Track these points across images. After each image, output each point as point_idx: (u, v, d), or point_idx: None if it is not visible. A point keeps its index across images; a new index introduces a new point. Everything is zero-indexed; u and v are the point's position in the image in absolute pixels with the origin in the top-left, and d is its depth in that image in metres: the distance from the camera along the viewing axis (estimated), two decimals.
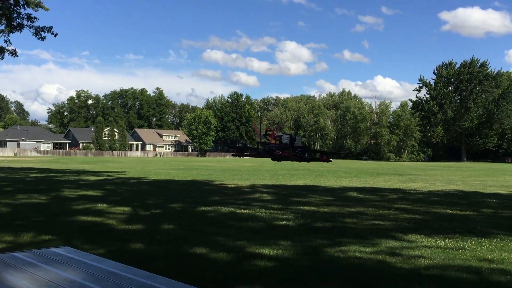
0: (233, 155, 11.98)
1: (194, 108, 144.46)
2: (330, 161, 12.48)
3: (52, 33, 25.96)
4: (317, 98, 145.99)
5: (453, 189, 18.98)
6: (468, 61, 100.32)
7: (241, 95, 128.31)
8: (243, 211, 11.01)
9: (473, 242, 7.47)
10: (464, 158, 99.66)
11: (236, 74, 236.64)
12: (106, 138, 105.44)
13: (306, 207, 11.86)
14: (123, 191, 15.99)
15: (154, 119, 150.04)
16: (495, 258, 6.37)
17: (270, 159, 12.46)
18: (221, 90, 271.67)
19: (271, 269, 5.71)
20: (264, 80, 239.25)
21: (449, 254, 6.63)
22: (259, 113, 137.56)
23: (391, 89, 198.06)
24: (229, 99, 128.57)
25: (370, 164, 60.96)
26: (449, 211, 11.61)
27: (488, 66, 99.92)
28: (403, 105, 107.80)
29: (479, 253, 6.72)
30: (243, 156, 12.37)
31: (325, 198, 14.63)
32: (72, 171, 29.60)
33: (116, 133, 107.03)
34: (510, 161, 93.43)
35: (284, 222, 9.44)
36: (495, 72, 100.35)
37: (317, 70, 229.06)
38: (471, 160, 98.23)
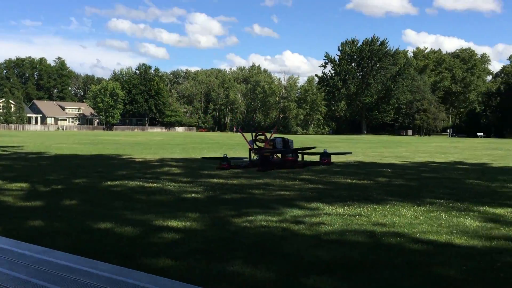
0: (219, 168, 10.77)
1: (99, 80, 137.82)
2: (332, 163, 11.00)
3: None
4: (227, 72, 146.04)
5: (353, 160, 20.14)
6: (370, 39, 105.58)
7: (150, 67, 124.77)
8: (151, 184, 10.88)
9: (369, 209, 8.05)
10: (364, 131, 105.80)
11: (144, 46, 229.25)
12: (1, 111, 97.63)
13: (215, 180, 12.00)
14: (21, 167, 15.04)
15: (56, 90, 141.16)
16: (388, 222, 6.94)
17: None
18: (129, 62, 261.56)
19: (179, 240, 5.75)
20: (174, 52, 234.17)
21: (347, 220, 7.10)
22: (168, 86, 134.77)
23: (299, 64, 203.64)
24: (137, 71, 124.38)
25: None
26: (349, 180, 12.36)
27: (387, 45, 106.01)
28: (310, 80, 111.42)
29: (373, 218, 7.27)
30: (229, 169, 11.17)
31: (235, 170, 14.83)
32: None
33: (12, 105, 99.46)
34: (404, 133, 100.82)
35: (193, 194, 9.50)
36: (393, 50, 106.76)
37: (227, 43, 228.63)
38: (370, 133, 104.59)
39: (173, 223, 6.64)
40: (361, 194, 9.75)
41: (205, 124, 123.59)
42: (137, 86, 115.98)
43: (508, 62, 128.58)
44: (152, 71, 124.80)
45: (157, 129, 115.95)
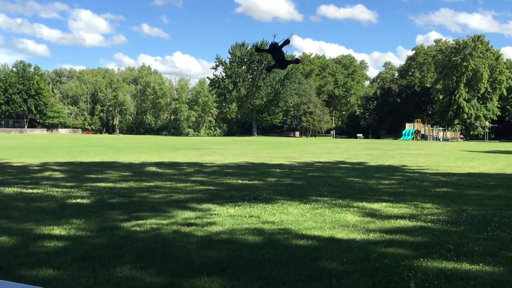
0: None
1: None
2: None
3: None
4: (116, 72, 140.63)
5: (244, 161, 20.57)
6: (259, 43, 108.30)
7: (29, 65, 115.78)
8: (31, 190, 10.12)
9: (259, 208, 8.28)
10: (255, 133, 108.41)
11: (22, 41, 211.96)
12: None
13: (102, 184, 11.50)
14: None
15: None
16: (276, 221, 7.20)
17: None
18: (4, 59, 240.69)
19: (62, 249, 5.43)
20: (56, 50, 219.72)
21: (238, 220, 7.24)
22: (50, 86, 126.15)
23: (190, 66, 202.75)
24: (14, 69, 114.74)
25: (170, 139, 61.84)
26: (240, 181, 12.59)
27: None
28: (201, 82, 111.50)
29: (263, 217, 7.50)
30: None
31: (123, 173, 14.39)
32: None
33: None
34: (292, 135, 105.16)
35: (78, 200, 9.01)
36: None
37: (115, 42, 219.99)
38: (260, 135, 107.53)
39: (56, 231, 6.25)
40: (251, 194, 9.98)
41: (92, 126, 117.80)
42: (14, 85, 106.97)
43: (383, 69, 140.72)
44: (32, 69, 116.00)
45: (38, 131, 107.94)
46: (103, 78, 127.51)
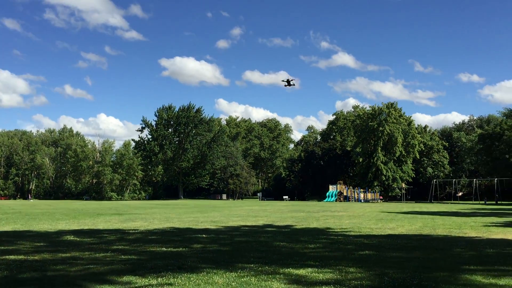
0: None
1: None
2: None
3: None
4: (34, 134, 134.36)
5: (169, 227, 19.97)
6: (186, 106, 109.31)
7: None
8: None
9: (183, 278, 7.97)
10: (181, 196, 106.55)
11: None
12: None
13: (12, 256, 10.59)
14: None
15: None
16: None
17: None
18: None
19: None
20: None
21: None
22: None
23: (114, 127, 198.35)
24: None
25: (91, 204, 58.96)
26: (164, 249, 12.14)
27: (203, 112, 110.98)
28: (126, 145, 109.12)
29: None
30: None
31: (37, 244, 13.38)
32: None
33: None
34: (219, 197, 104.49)
35: None
36: (208, 117, 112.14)
37: (34, 103, 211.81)
38: (187, 198, 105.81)
39: None
40: (175, 263, 9.62)
41: (5, 192, 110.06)
42: None
43: (307, 132, 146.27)
44: None
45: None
46: (20, 141, 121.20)
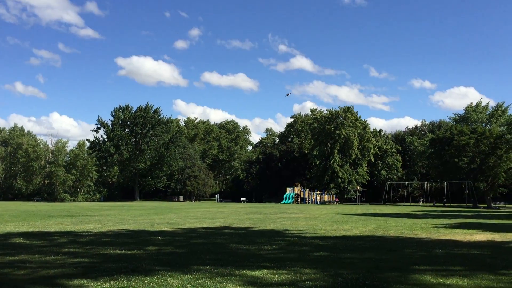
0: None
1: None
2: None
3: None
4: None
5: (124, 229, 19.60)
6: (143, 107, 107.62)
7: None
8: None
9: (137, 281, 7.84)
10: (137, 198, 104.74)
11: None
12: None
13: None
14: None
15: None
16: None
17: None
18: None
19: None
20: None
21: None
22: None
23: (68, 127, 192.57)
24: None
25: (42, 206, 57.02)
26: (118, 251, 11.91)
27: (161, 113, 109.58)
28: (80, 145, 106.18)
29: None
30: None
31: None
32: None
33: None
34: (176, 199, 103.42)
35: None
36: (166, 118, 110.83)
37: None
38: (143, 199, 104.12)
39: None
40: (129, 266, 9.45)
41: None
42: None
43: (265, 135, 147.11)
44: None
45: None
46: None
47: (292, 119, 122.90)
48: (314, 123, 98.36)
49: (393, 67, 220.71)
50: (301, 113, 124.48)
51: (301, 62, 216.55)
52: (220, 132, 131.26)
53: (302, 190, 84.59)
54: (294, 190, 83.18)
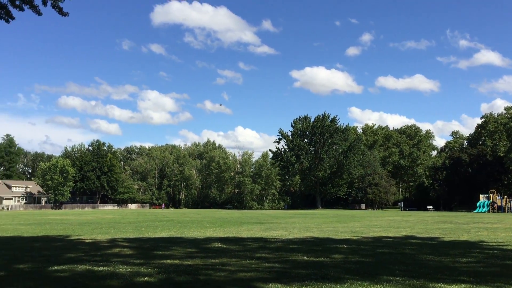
0: None
1: (49, 157, 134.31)
2: None
3: None
4: (182, 148, 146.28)
5: (309, 236, 20.10)
6: (321, 116, 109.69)
7: (103, 143, 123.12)
8: (101, 268, 10.35)
9: None
10: (319, 206, 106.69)
11: (95, 122, 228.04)
12: None
13: (169, 261, 11.58)
14: None
15: (2, 168, 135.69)
16: None
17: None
18: (80, 138, 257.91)
19: None
20: (127, 128, 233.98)
21: None
22: (121, 162, 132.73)
23: (251, 139, 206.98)
24: (90, 148, 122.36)
25: (234, 213, 62.04)
26: (306, 258, 12.24)
27: (338, 121, 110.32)
28: (264, 156, 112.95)
29: None
30: None
31: (189, 250, 14.46)
32: None
33: None
34: (358, 207, 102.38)
35: (146, 278, 9.08)
36: (344, 126, 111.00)
37: (181, 119, 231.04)
38: (325, 207, 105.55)
39: None
40: (318, 273, 9.63)
41: (159, 201, 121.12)
42: (89, 163, 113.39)
43: (450, 138, 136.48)
44: (105, 147, 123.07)
45: (109, 207, 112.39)
46: (170, 154, 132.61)
47: (482, 120, 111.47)
48: (510, 123, 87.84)
49: None
50: (492, 113, 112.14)
51: (488, 56, 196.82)
52: (400, 137, 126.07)
53: (499, 197, 76.00)
54: (489, 198, 75.28)
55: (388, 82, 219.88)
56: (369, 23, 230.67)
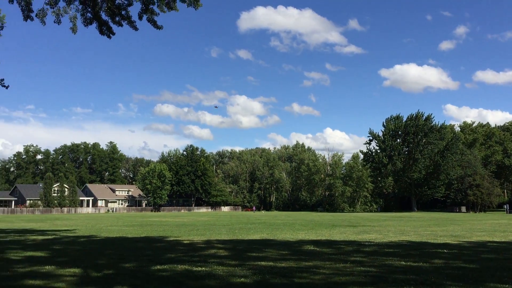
0: None
1: (148, 162, 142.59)
2: None
3: (4, 86, 22.99)
4: (271, 151, 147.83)
5: (405, 240, 19.35)
6: (414, 115, 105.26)
7: (197, 148, 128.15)
8: (199, 268, 10.77)
9: None
10: (414, 208, 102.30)
11: (188, 128, 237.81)
12: (55, 195, 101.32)
13: (263, 263, 11.75)
14: (72, 251, 15.32)
15: (107, 173, 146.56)
16: None
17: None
18: (174, 144, 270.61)
19: None
20: (217, 133, 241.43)
21: None
22: (214, 166, 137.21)
23: (340, 141, 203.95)
24: (184, 152, 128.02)
25: (325, 216, 61.46)
26: (403, 262, 11.80)
27: (433, 120, 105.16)
28: (354, 157, 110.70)
29: None
30: None
31: (282, 252, 14.56)
32: (17, 231, 28.14)
33: (66, 189, 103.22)
34: (457, 210, 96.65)
35: (242, 279, 9.30)
36: (439, 125, 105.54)
37: (269, 122, 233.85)
38: (421, 210, 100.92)
39: None
40: (418, 279, 9.25)
41: (251, 204, 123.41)
42: (184, 167, 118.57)
43: None
44: (199, 152, 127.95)
45: (203, 209, 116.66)
46: (260, 157, 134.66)
47: None
48: None
49: None
50: None
51: None
52: (504, 135, 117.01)
53: None
54: None
55: (487, 76, 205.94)
56: (464, 15, 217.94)
